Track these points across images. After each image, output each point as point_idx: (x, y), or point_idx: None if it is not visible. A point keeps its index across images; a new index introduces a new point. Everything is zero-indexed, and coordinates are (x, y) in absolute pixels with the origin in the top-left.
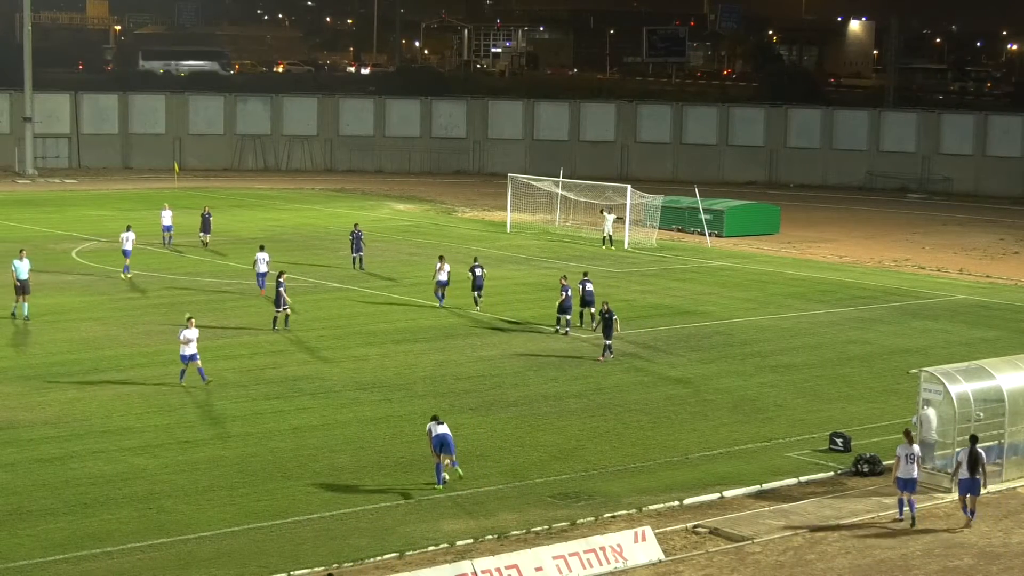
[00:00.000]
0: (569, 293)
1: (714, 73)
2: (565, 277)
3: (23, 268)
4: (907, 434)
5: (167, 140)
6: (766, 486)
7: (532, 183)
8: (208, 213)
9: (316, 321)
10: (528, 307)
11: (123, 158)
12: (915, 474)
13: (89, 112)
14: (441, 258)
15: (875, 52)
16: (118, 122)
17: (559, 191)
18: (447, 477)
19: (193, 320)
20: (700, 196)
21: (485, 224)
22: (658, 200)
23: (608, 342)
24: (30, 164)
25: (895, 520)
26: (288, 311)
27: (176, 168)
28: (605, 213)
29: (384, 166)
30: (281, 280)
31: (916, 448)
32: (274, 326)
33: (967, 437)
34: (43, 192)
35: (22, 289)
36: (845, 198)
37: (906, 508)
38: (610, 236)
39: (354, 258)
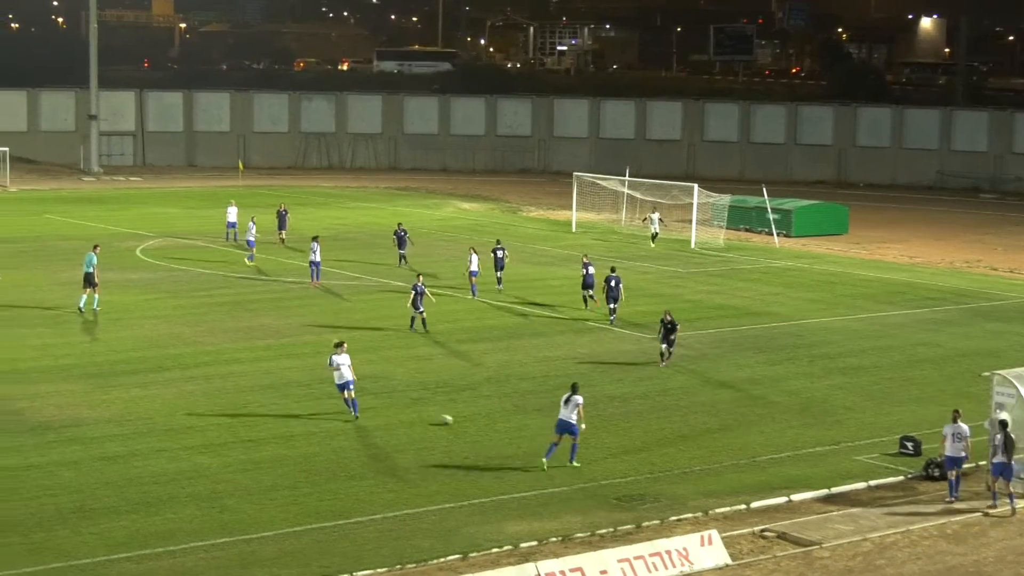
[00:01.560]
0: (591, 271)
1: (782, 71)
2: (587, 255)
3: (93, 261)
4: (955, 413)
5: (232, 138)
6: (835, 490)
7: (598, 182)
8: (284, 210)
9: (379, 320)
10: (593, 307)
11: (187, 156)
12: (963, 453)
13: (154, 110)
14: (472, 249)
15: (946, 50)
16: (183, 120)
17: (625, 190)
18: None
19: (345, 345)
20: (768, 195)
21: (550, 223)
22: (725, 199)
23: (665, 347)
24: (95, 162)
25: (946, 501)
26: (424, 314)
27: (240, 166)
28: (651, 214)
29: (448, 164)
30: (419, 284)
31: (964, 427)
32: (411, 326)
33: None
34: (108, 190)
35: (90, 281)
36: (915, 198)
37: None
38: (656, 234)
39: (400, 255)
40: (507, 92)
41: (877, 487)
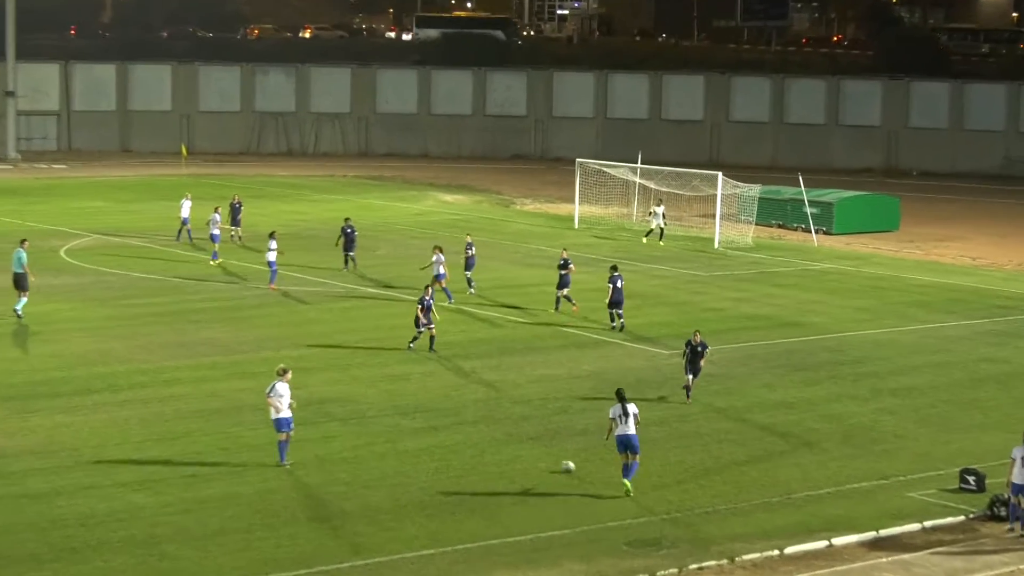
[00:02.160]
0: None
1: (822, 39)
2: (566, 249)
3: (24, 258)
4: None
5: (173, 118)
6: (883, 532)
7: (605, 170)
8: (238, 203)
9: (348, 333)
10: (598, 317)
11: (121, 140)
12: None
13: (82, 85)
14: (437, 249)
15: (1014, 15)
16: (116, 97)
17: (637, 180)
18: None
19: (289, 373)
20: (805, 186)
21: (548, 219)
22: (755, 190)
23: (692, 377)
24: (12, 147)
25: (1008, 530)
26: (433, 330)
27: (184, 152)
28: (655, 207)
29: (429, 149)
30: (428, 298)
31: None
32: (411, 343)
33: None
34: (27, 180)
35: (19, 283)
36: (978, 188)
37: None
38: (662, 229)
39: (345, 257)
40: (499, 64)
41: (933, 529)
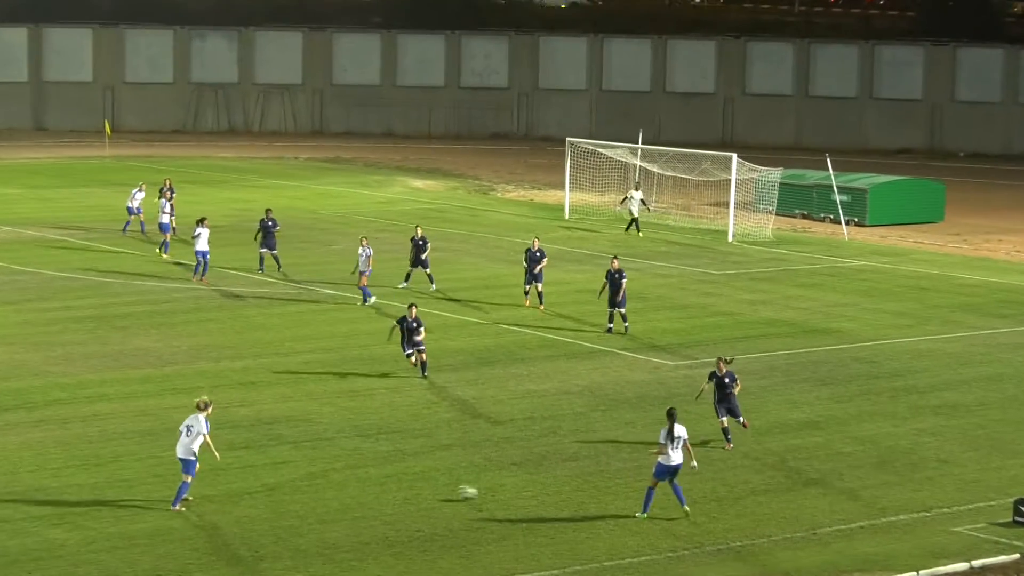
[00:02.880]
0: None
1: None
2: (538, 238)
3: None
4: None
5: (95, 90)
6: (924, 573)
7: (600, 151)
8: (170, 188)
9: (300, 340)
10: (593, 323)
11: (34, 116)
12: None
13: None
14: (363, 240)
15: None
16: (27, 65)
17: (638, 162)
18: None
19: (208, 404)
20: (834, 170)
21: (535, 208)
22: (775, 175)
23: (725, 420)
24: None
25: None
26: (424, 354)
27: (108, 129)
28: (632, 192)
29: (395, 127)
30: (410, 319)
31: None
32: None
33: None
34: None
35: None
36: None
37: None
38: (636, 219)
39: (262, 255)
40: (476, 27)
41: (983, 569)
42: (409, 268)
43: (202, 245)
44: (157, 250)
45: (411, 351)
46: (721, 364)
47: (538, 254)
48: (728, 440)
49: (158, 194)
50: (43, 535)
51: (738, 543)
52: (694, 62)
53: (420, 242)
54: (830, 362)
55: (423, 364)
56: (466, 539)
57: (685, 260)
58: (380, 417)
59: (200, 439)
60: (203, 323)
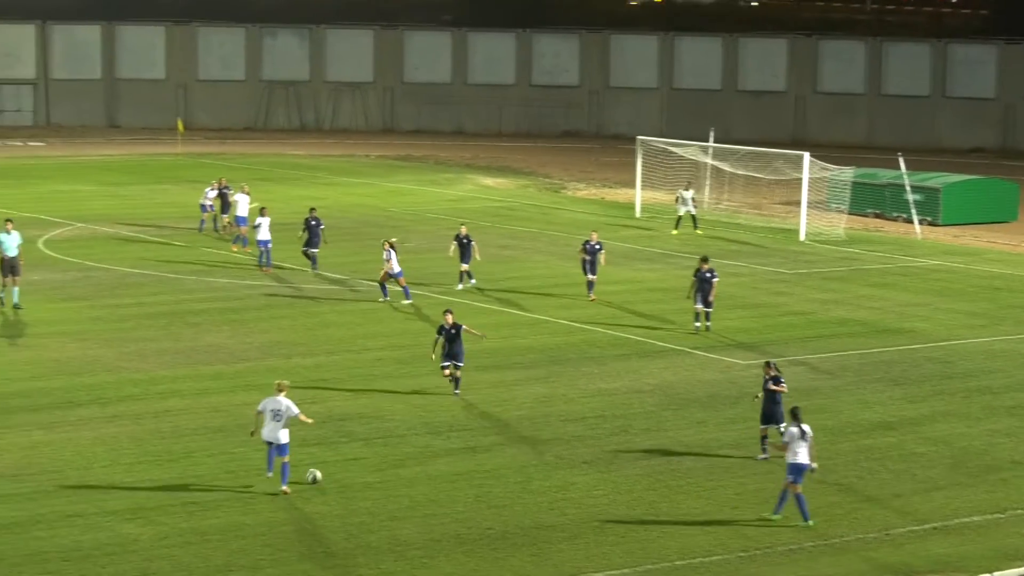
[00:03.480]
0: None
1: None
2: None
3: (11, 242)
4: None
5: (168, 88)
6: (999, 575)
7: (671, 149)
8: (225, 187)
9: (372, 338)
10: (665, 321)
11: (107, 113)
12: None
13: (61, 49)
14: (388, 244)
15: None
16: (101, 63)
17: (708, 160)
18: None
19: (285, 385)
20: (906, 169)
21: (605, 206)
22: (847, 174)
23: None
24: None
25: None
26: (459, 370)
27: (180, 127)
28: (682, 191)
29: (465, 125)
30: (449, 326)
31: None
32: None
33: None
34: None
35: (12, 269)
36: None
37: None
38: (693, 216)
39: (307, 253)
40: (546, 25)
41: None
42: (460, 269)
43: (264, 234)
44: (232, 245)
45: (448, 363)
46: (771, 369)
47: (597, 246)
48: (763, 450)
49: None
50: (116, 530)
51: (810, 544)
52: (765, 60)
53: (465, 240)
54: (903, 362)
55: (456, 380)
56: (537, 537)
57: (756, 259)
58: (451, 415)
59: (289, 419)
60: (275, 320)
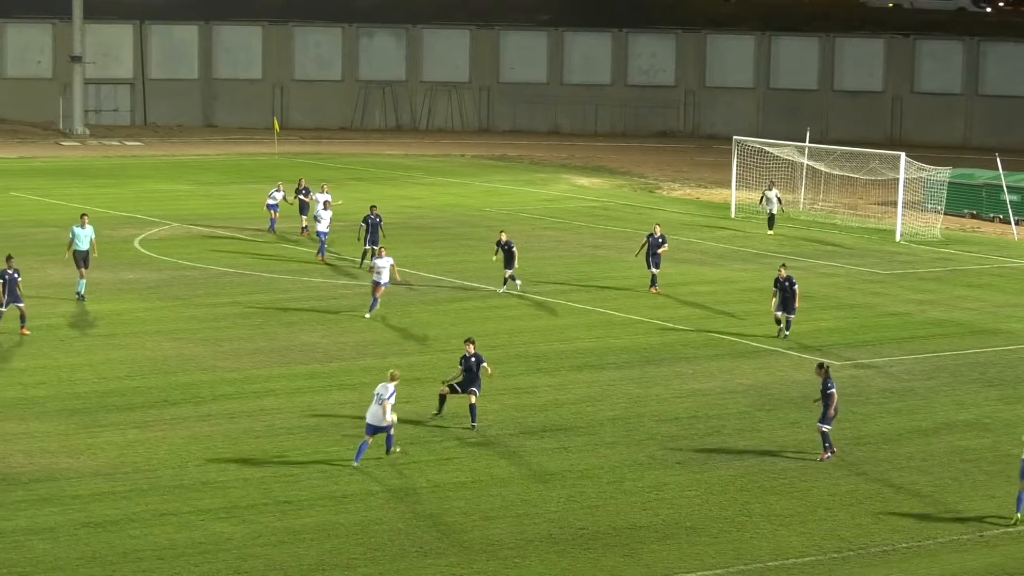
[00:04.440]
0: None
1: None
2: (784, 266)
3: (84, 236)
4: None
5: (265, 88)
6: None
7: (766, 149)
8: (305, 188)
9: (465, 336)
10: (759, 321)
11: (204, 112)
12: None
13: (159, 49)
14: (382, 250)
15: None
16: (198, 63)
17: (805, 160)
18: None
19: (397, 375)
20: (1004, 169)
21: (700, 206)
22: (944, 174)
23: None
24: (79, 120)
25: None
26: (475, 396)
27: (276, 127)
28: (767, 191)
29: (561, 124)
30: (471, 355)
31: None
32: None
33: None
34: (96, 158)
35: (84, 261)
36: None
37: None
38: (773, 215)
39: (366, 251)
40: (643, 24)
41: None
42: (504, 273)
43: (324, 227)
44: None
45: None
46: (821, 370)
47: (660, 239)
48: (825, 449)
49: (296, 195)
50: (210, 528)
51: (903, 545)
52: (862, 60)
53: (506, 247)
54: (999, 363)
55: (472, 409)
56: (629, 537)
57: (852, 259)
58: (544, 415)
59: (387, 403)
60: (369, 319)
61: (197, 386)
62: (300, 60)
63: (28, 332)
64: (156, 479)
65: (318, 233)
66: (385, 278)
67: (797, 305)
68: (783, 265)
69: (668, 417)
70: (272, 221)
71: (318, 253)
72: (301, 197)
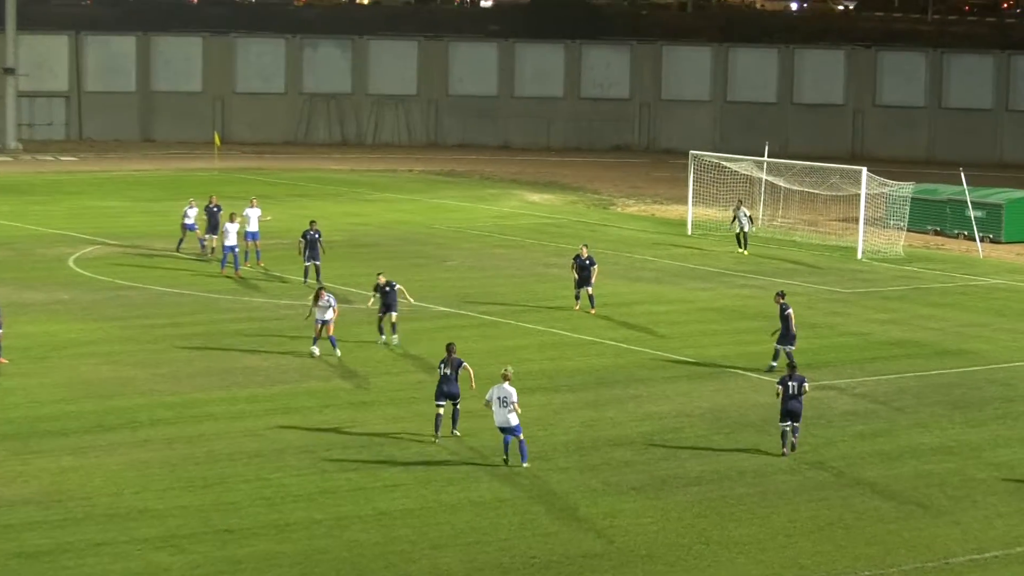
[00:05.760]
0: (790, 314)
1: (988, 6)
2: (782, 294)
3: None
4: None
5: (205, 101)
6: None
7: (724, 164)
8: (216, 206)
9: (414, 359)
10: (717, 342)
11: (142, 127)
12: None
13: (95, 61)
14: (322, 293)
15: None
16: (136, 75)
17: (764, 176)
18: None
19: (510, 373)
20: (968, 184)
21: (656, 223)
22: (907, 189)
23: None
24: (12, 135)
25: None
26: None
27: (217, 141)
28: (737, 211)
29: (512, 139)
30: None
31: None
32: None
33: None
34: (29, 174)
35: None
36: None
37: None
38: (745, 234)
39: (307, 267)
40: (596, 36)
41: None
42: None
43: (231, 240)
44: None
45: (443, 403)
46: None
47: (587, 262)
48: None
49: (204, 214)
50: (147, 559)
51: (867, 573)
52: (823, 72)
53: (387, 287)
54: (963, 385)
55: (454, 417)
56: (583, 566)
57: (812, 278)
58: (495, 438)
59: (514, 404)
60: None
61: (134, 411)
62: (242, 72)
63: None
64: (91, 507)
65: (224, 248)
66: (329, 315)
67: (791, 336)
68: (782, 293)
69: (623, 441)
70: (201, 241)
71: (222, 266)
72: (210, 211)
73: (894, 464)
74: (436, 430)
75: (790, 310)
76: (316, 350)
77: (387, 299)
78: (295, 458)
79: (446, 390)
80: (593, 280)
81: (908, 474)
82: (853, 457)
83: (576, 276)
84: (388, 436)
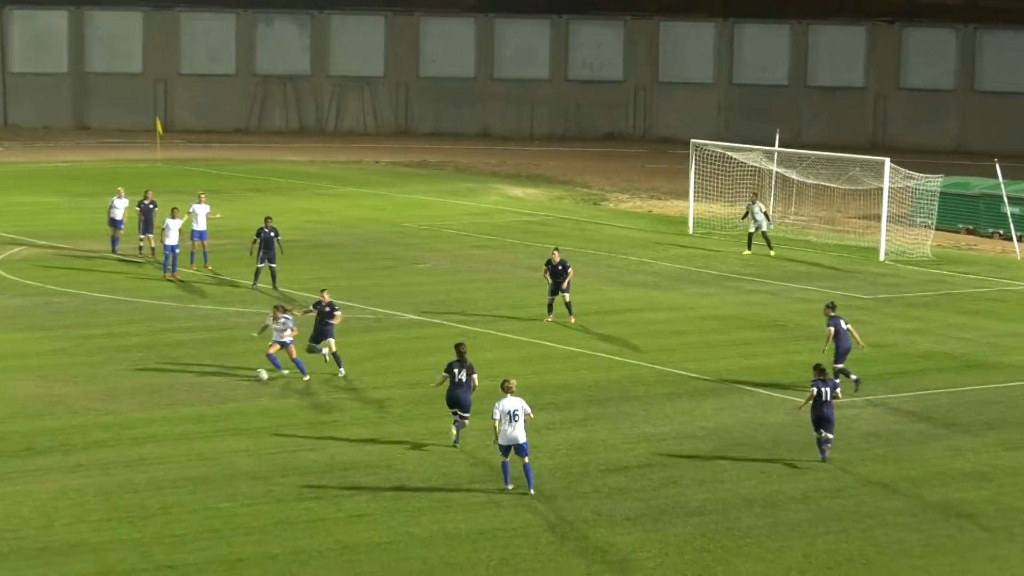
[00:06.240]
0: (843, 326)
1: None
2: (832, 306)
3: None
4: None
5: (146, 84)
6: None
7: (729, 155)
8: (151, 203)
9: (382, 374)
10: (722, 354)
11: (75, 112)
12: None
13: (21, 38)
14: (279, 310)
15: None
16: (68, 55)
17: (774, 167)
18: None
19: (513, 384)
20: (1004, 177)
21: (653, 220)
22: (935, 183)
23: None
24: None
25: None
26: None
27: (159, 128)
28: (752, 205)
29: (491, 126)
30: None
31: None
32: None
33: None
34: None
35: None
36: None
37: None
38: (764, 234)
39: (259, 269)
40: (586, 11)
41: None
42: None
43: (172, 239)
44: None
45: (454, 410)
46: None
47: (560, 267)
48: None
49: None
50: None
51: None
52: (840, 51)
53: (328, 307)
54: (1000, 402)
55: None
56: None
57: (829, 282)
58: (473, 462)
59: (527, 417)
60: (265, 353)
61: (66, 432)
62: (187, 51)
63: None
64: (18, 540)
65: (166, 247)
66: (288, 338)
67: (858, 344)
68: (832, 305)
69: (616, 466)
70: (115, 240)
71: (164, 269)
72: (145, 208)
73: (921, 491)
74: (455, 442)
75: (847, 324)
76: (263, 373)
77: (322, 322)
78: (247, 485)
79: (460, 397)
80: (566, 285)
81: (939, 502)
82: (875, 484)
83: (549, 282)
84: (352, 461)
